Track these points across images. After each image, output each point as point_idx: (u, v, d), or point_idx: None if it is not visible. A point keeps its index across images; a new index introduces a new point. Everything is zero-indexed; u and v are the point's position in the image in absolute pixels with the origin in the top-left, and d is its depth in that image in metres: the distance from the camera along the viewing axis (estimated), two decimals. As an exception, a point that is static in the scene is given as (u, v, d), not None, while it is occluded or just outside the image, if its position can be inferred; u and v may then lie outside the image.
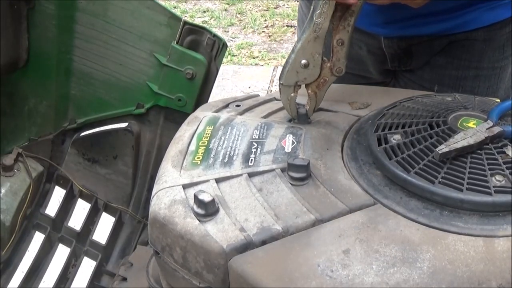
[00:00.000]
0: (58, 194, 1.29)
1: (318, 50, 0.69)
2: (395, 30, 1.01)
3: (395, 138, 0.64)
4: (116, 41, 1.17)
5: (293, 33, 3.64)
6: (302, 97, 0.77)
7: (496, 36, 1.00)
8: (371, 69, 1.11)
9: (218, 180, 0.63)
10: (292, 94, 0.72)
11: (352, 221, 0.57)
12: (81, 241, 1.23)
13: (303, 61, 0.70)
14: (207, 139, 0.71)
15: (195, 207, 0.59)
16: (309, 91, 0.72)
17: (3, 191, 1.21)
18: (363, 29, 1.04)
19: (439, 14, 0.97)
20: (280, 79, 0.72)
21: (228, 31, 3.73)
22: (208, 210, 0.58)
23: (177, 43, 1.12)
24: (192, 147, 0.70)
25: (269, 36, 3.63)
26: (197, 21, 3.73)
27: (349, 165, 0.65)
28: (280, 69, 1.18)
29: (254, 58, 3.37)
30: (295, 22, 3.63)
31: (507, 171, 0.58)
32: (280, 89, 0.73)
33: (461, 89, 1.01)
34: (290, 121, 0.75)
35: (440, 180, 0.58)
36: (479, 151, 0.61)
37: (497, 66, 1.03)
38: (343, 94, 0.81)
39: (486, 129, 0.62)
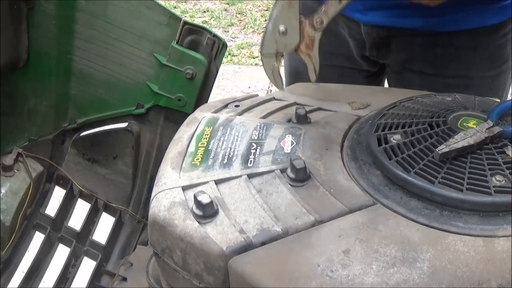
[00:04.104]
0: (58, 194, 1.30)
1: (295, 15, 0.67)
2: (375, 18, 1.00)
3: (395, 138, 0.64)
4: (116, 41, 1.17)
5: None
6: (300, 97, 0.77)
7: (482, 43, 0.99)
8: (353, 51, 1.10)
9: (217, 182, 0.63)
10: (275, 64, 0.70)
11: (352, 221, 0.57)
12: (81, 241, 1.23)
13: (281, 28, 0.68)
14: (206, 140, 0.71)
15: (194, 208, 0.59)
16: (302, 56, 0.70)
17: (3, 191, 1.21)
18: (343, 13, 1.02)
19: (421, 9, 0.96)
20: (260, 48, 0.71)
21: (228, 31, 3.72)
22: (206, 211, 0.58)
23: (177, 43, 1.12)
24: (191, 148, 0.70)
25: (269, 36, 3.62)
26: (197, 21, 3.73)
27: (349, 165, 0.65)
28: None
29: (254, 58, 3.37)
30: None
31: (507, 171, 0.58)
32: (262, 60, 0.71)
33: None
34: (289, 121, 0.74)
35: (440, 180, 0.58)
36: (479, 151, 0.61)
37: (487, 76, 1.02)
38: (343, 94, 0.81)
39: (486, 129, 0.62)
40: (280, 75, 0.72)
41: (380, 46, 1.05)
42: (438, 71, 1.02)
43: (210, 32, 1.12)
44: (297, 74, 1.18)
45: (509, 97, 1.32)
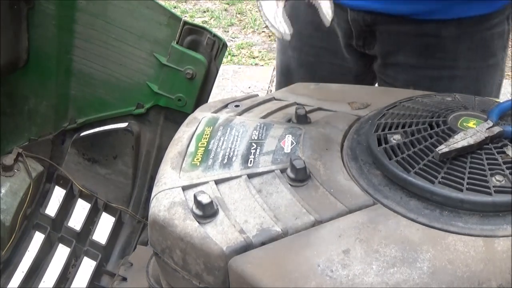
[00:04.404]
0: (58, 194, 1.29)
1: None
2: (361, 2, 1.00)
3: (395, 138, 0.64)
4: (116, 41, 1.17)
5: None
6: (300, 97, 0.77)
7: (468, 34, 0.99)
8: (342, 44, 1.10)
9: (217, 182, 0.63)
10: (278, 8, 0.59)
11: (352, 221, 0.57)
12: (81, 241, 1.23)
13: None
14: (206, 140, 0.71)
15: (194, 208, 0.59)
16: None
17: (3, 191, 1.21)
18: None
19: None
20: None
21: (228, 31, 3.72)
22: (206, 211, 0.58)
23: (177, 43, 1.12)
24: (191, 148, 0.70)
25: (269, 36, 3.63)
26: (197, 21, 3.72)
27: (349, 165, 0.65)
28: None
29: (254, 58, 3.37)
30: (295, 22, 3.61)
31: (507, 171, 0.58)
32: (259, 4, 0.59)
33: (437, 91, 1.01)
34: (289, 121, 0.74)
35: (440, 180, 0.58)
36: (479, 151, 0.61)
37: (473, 67, 1.02)
38: (343, 94, 0.81)
39: (486, 129, 0.62)
40: (286, 18, 0.59)
41: (366, 35, 1.05)
42: (424, 62, 1.02)
43: (210, 32, 1.12)
44: (288, 72, 1.17)
45: (507, 97, 1.31)
